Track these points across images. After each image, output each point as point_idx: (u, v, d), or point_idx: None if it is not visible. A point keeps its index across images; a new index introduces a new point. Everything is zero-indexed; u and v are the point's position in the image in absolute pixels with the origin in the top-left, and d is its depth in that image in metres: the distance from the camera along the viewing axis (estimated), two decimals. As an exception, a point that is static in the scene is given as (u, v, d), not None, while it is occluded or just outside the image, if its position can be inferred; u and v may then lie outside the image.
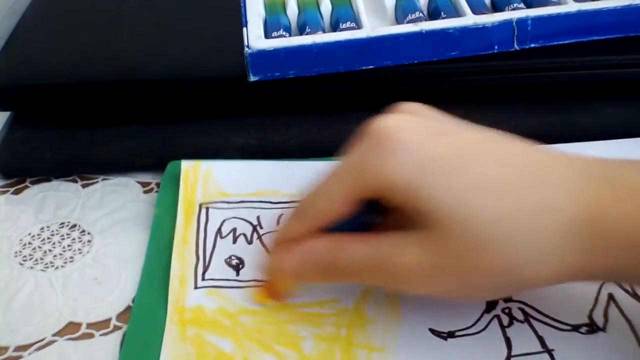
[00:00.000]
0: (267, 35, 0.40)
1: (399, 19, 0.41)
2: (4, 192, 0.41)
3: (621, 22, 0.40)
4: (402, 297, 0.33)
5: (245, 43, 0.39)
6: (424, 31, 0.39)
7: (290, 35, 0.40)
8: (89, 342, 0.33)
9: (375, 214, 0.30)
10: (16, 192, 0.41)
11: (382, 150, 0.27)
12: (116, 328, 0.33)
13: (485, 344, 0.31)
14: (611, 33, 0.40)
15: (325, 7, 0.42)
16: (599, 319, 0.32)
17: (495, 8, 0.41)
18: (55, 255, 0.37)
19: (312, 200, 0.30)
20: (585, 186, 0.27)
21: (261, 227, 0.37)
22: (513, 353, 0.30)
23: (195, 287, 0.34)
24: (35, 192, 0.41)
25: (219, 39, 0.43)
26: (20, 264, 0.37)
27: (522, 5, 0.40)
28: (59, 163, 0.41)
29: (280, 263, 0.31)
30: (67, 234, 0.38)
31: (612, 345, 0.30)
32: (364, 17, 0.40)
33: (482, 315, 0.32)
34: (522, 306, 0.32)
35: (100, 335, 0.33)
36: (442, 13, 0.40)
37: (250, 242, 0.36)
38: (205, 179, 0.39)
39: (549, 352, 0.30)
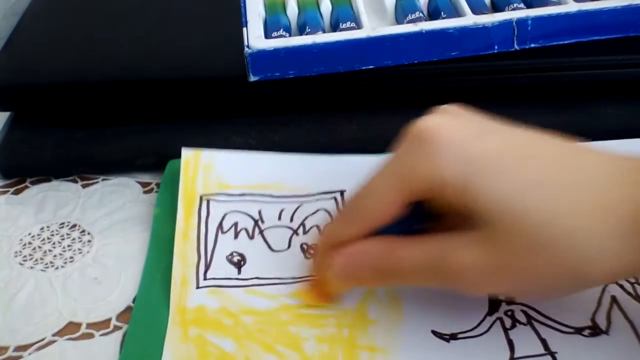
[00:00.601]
0: (267, 35, 0.40)
1: (399, 19, 0.41)
2: (4, 192, 0.41)
3: (621, 22, 0.40)
4: (404, 298, 0.33)
5: (245, 43, 0.39)
6: (424, 31, 0.39)
7: (290, 35, 0.40)
8: (89, 342, 0.33)
9: (422, 219, 0.29)
10: (16, 192, 0.41)
11: (429, 149, 0.27)
12: (116, 328, 0.33)
13: (488, 346, 0.31)
14: (611, 33, 0.40)
15: (325, 7, 0.42)
16: (601, 322, 0.31)
17: (495, 8, 0.41)
18: (55, 255, 0.37)
19: (360, 202, 0.30)
20: (636, 185, 0.26)
21: (263, 222, 0.37)
22: (516, 355, 0.30)
23: (197, 287, 0.34)
24: (35, 192, 0.41)
25: (219, 39, 0.43)
26: (20, 264, 0.37)
27: (522, 5, 0.40)
28: (59, 163, 0.41)
29: (331, 266, 0.30)
30: (67, 234, 0.38)
31: (615, 348, 0.30)
32: (364, 17, 0.40)
33: (484, 318, 0.32)
34: (525, 308, 0.32)
35: (100, 335, 0.33)
36: (442, 13, 0.40)
37: (251, 237, 0.36)
38: (206, 170, 0.39)
39: (552, 354, 0.30)
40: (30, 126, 0.43)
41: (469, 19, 0.39)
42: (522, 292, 0.29)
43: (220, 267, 0.35)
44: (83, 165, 0.42)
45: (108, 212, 0.39)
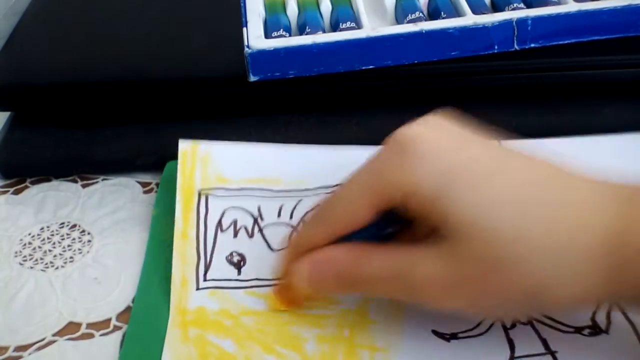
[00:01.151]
0: (267, 35, 0.40)
1: (399, 19, 0.41)
2: (4, 192, 0.41)
3: (621, 22, 0.40)
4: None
5: (245, 43, 0.39)
6: (424, 31, 0.39)
7: (290, 35, 0.40)
8: (89, 342, 0.33)
9: (393, 223, 0.29)
10: (16, 192, 0.41)
11: (404, 158, 0.27)
12: (116, 328, 0.33)
13: (488, 345, 0.31)
14: (611, 33, 0.40)
15: (325, 7, 0.42)
16: (601, 321, 0.31)
17: (495, 8, 0.41)
18: (55, 255, 0.37)
19: (332, 207, 0.30)
20: (608, 209, 0.26)
21: (262, 219, 0.36)
22: (516, 355, 0.30)
23: (197, 289, 0.34)
24: (35, 192, 0.41)
25: (219, 39, 0.43)
26: (20, 264, 0.37)
27: (522, 5, 0.40)
28: (59, 163, 0.41)
29: (297, 272, 0.30)
30: (67, 234, 0.38)
31: (615, 347, 0.30)
32: (364, 17, 0.40)
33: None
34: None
35: (100, 335, 0.33)
36: (442, 13, 0.40)
37: (251, 236, 0.36)
38: (204, 163, 0.38)
39: (552, 353, 0.30)
40: (30, 126, 0.43)
41: (469, 19, 0.39)
42: (480, 308, 0.29)
43: (220, 268, 0.35)
44: (83, 165, 0.42)
45: (108, 212, 0.39)
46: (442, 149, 0.27)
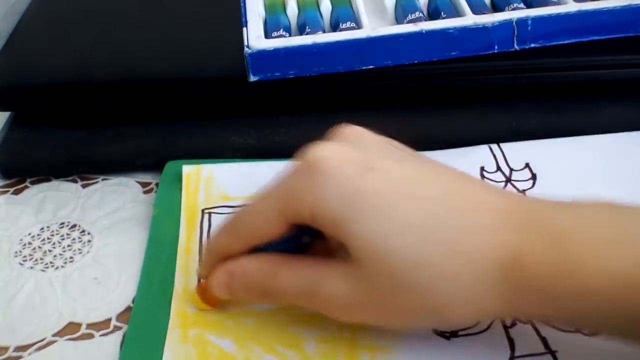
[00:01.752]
0: (267, 35, 0.40)
1: (399, 19, 0.41)
2: (4, 192, 0.41)
3: (621, 22, 0.40)
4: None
5: (245, 43, 0.39)
6: (424, 31, 0.39)
7: (290, 35, 0.40)
8: (89, 342, 0.33)
9: (310, 233, 0.29)
10: (16, 192, 0.41)
11: (310, 181, 0.27)
12: (116, 328, 0.33)
13: (488, 344, 0.31)
14: (611, 33, 0.40)
15: (325, 7, 0.42)
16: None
17: (495, 8, 0.41)
18: (55, 255, 0.37)
19: (244, 219, 0.30)
20: (505, 236, 0.26)
21: None
22: (516, 354, 0.30)
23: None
24: (35, 192, 0.41)
25: (219, 39, 0.43)
26: (20, 264, 0.37)
27: (522, 5, 0.40)
28: (59, 163, 0.41)
29: (215, 280, 0.31)
30: (67, 234, 0.38)
31: (615, 347, 0.30)
32: (364, 17, 0.40)
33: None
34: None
35: (100, 335, 0.33)
36: (442, 13, 0.40)
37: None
38: (208, 183, 0.39)
39: (552, 353, 0.30)
40: (30, 126, 0.43)
41: (469, 19, 0.39)
42: (387, 325, 0.30)
43: None
44: (83, 165, 0.42)
45: (108, 212, 0.39)
46: (351, 171, 0.27)
